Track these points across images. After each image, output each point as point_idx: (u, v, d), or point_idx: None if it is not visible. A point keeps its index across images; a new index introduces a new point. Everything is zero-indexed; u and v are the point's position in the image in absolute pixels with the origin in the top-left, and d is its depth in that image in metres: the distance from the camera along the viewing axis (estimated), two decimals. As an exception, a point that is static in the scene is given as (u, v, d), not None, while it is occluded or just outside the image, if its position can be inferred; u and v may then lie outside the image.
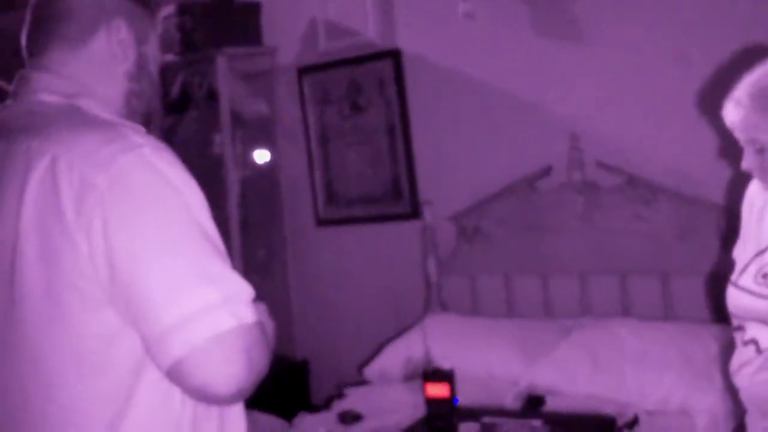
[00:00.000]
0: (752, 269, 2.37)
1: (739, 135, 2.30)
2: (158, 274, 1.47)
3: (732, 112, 2.28)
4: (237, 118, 4.70)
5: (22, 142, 1.58)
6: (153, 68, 1.81)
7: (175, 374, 1.48)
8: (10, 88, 1.75)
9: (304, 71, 4.67)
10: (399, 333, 4.11)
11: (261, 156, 4.84)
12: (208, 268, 1.50)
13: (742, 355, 2.39)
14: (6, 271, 1.54)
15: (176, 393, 1.55)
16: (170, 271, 1.48)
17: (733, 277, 2.44)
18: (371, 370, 3.98)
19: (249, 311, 1.51)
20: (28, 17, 1.77)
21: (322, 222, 4.71)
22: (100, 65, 1.72)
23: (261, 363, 1.52)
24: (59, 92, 1.67)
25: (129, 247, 1.47)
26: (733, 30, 3.53)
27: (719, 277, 2.63)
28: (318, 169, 4.68)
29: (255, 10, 4.77)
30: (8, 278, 1.54)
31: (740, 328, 2.41)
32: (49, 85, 1.69)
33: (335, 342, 4.66)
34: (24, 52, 1.77)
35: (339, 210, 4.65)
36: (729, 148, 3.38)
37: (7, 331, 1.56)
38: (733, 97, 2.28)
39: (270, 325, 1.68)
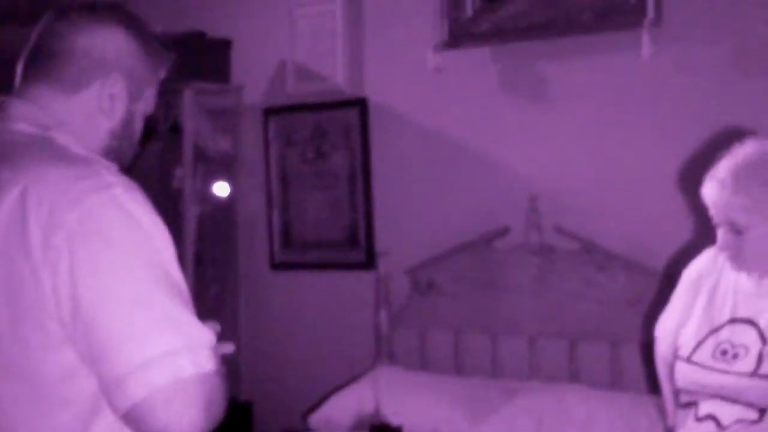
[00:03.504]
0: (709, 346, 2.39)
1: (717, 215, 2.31)
2: (122, 317, 1.47)
3: (714, 192, 2.30)
4: (199, 154, 4.68)
5: None
6: (138, 125, 1.79)
7: (131, 418, 1.48)
8: None
9: (270, 112, 4.67)
10: (347, 382, 4.08)
11: (221, 188, 4.81)
12: (172, 315, 1.50)
13: (694, 431, 2.39)
14: None
15: None
16: (134, 315, 1.48)
17: (683, 353, 2.45)
18: (317, 418, 3.94)
19: (210, 359, 1.52)
20: (31, 41, 1.74)
21: (276, 265, 4.68)
22: (85, 116, 1.70)
23: (218, 410, 1.53)
24: (35, 123, 1.66)
25: (94, 289, 1.47)
26: (699, 103, 3.59)
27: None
28: (276, 211, 4.66)
29: (226, 47, 4.76)
30: None
31: (692, 404, 2.42)
32: (26, 114, 1.67)
33: (282, 387, 4.62)
34: (17, 76, 1.75)
35: (295, 254, 4.64)
36: (686, 221, 3.48)
37: None
38: (716, 177, 2.30)
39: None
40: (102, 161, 1.63)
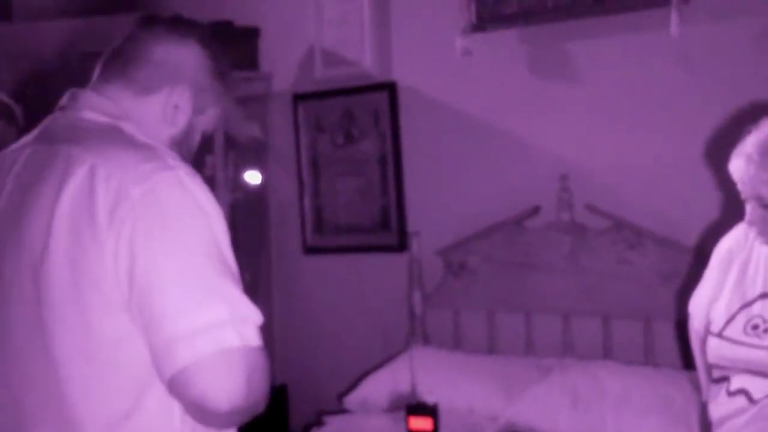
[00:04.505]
0: (740, 320, 2.41)
1: (745, 190, 2.33)
2: (173, 287, 1.55)
3: (741, 168, 2.31)
4: (230, 141, 4.72)
5: (63, 149, 1.67)
6: (197, 139, 1.88)
7: (175, 384, 1.55)
8: (61, 101, 1.83)
9: (299, 98, 4.70)
10: (381, 364, 4.12)
11: (252, 177, 4.85)
12: (222, 288, 1.57)
13: (726, 406, 2.41)
14: (35, 265, 1.62)
15: (178, 410, 1.61)
16: (185, 286, 1.56)
17: (715, 328, 2.47)
18: (352, 399, 3.99)
19: (255, 335, 1.59)
20: (117, 41, 1.85)
21: (309, 249, 4.73)
22: (150, 119, 1.80)
23: (260, 387, 1.59)
24: (104, 112, 1.76)
25: (151, 258, 1.55)
26: (727, 81, 3.59)
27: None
28: (308, 197, 4.70)
29: (253, 35, 4.80)
30: (36, 271, 1.62)
31: (724, 379, 2.44)
32: (97, 104, 1.78)
33: (316, 369, 4.67)
34: (96, 70, 1.85)
35: (327, 238, 4.68)
36: (716, 196, 3.49)
37: (31, 323, 1.63)
38: (743, 152, 2.31)
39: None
40: (165, 149, 1.71)
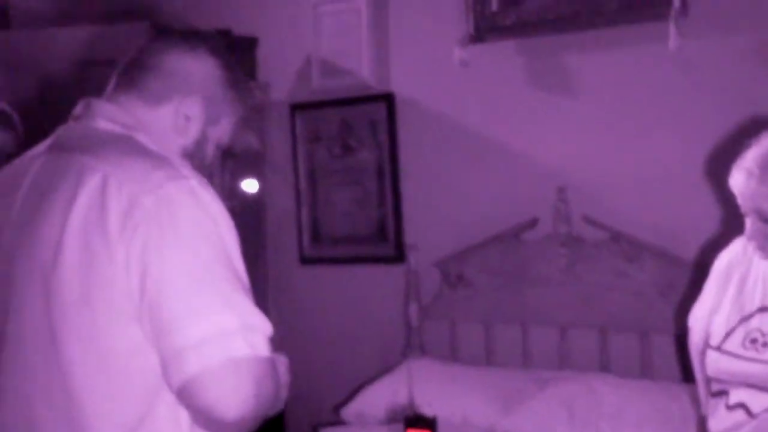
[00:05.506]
0: (739, 334, 2.41)
1: (745, 203, 2.33)
2: (184, 296, 1.56)
3: (741, 181, 2.31)
4: (227, 151, 4.69)
5: (77, 158, 1.68)
6: (209, 149, 1.89)
7: (185, 393, 1.56)
8: (75, 111, 1.84)
9: (296, 108, 4.70)
10: (378, 375, 4.11)
11: (250, 185, 4.84)
12: (232, 298, 1.59)
13: (725, 420, 2.41)
14: (46, 275, 1.62)
15: (186, 418, 1.62)
16: (196, 295, 1.56)
17: (714, 341, 2.47)
18: (349, 411, 3.98)
19: (265, 345, 1.60)
20: (132, 53, 1.87)
21: (306, 260, 4.72)
22: (162, 129, 1.80)
23: (268, 397, 1.61)
24: (117, 121, 1.77)
25: (162, 267, 1.56)
26: (725, 95, 3.59)
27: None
28: (305, 207, 4.69)
29: (252, 45, 4.79)
30: (47, 281, 1.62)
31: (723, 392, 2.44)
32: (111, 114, 1.79)
33: (312, 381, 4.64)
34: (111, 80, 1.87)
35: (324, 249, 4.67)
36: (715, 210, 3.49)
37: (41, 331, 1.63)
38: (743, 167, 2.31)
39: (285, 378, 1.78)
40: (178, 159, 1.72)
